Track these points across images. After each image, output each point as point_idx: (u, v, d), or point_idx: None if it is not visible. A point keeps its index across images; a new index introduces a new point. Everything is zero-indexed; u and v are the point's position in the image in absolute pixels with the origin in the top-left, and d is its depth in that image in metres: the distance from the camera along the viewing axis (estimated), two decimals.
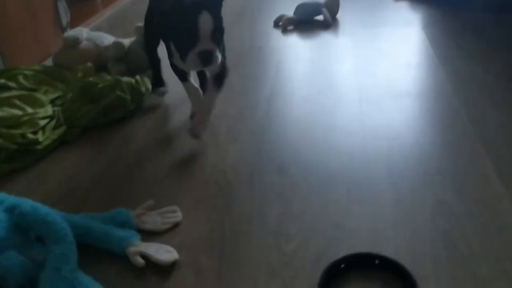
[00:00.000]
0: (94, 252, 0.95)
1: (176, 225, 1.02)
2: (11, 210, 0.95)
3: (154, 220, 1.02)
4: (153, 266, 0.91)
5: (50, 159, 1.33)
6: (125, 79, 1.53)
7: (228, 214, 1.05)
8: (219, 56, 1.19)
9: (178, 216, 1.04)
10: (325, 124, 1.36)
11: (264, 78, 1.70)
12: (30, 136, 1.33)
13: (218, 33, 1.17)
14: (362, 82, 1.59)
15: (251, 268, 0.91)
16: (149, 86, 1.58)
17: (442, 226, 0.96)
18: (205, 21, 1.14)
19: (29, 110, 1.43)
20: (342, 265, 0.87)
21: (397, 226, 0.97)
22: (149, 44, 1.59)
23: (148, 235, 0.99)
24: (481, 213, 0.98)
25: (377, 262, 0.87)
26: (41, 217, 0.93)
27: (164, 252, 0.93)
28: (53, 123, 1.41)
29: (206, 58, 1.17)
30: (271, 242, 0.96)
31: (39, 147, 1.33)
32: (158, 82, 1.62)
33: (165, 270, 0.91)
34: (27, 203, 0.97)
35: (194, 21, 1.14)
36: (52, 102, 1.54)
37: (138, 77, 1.56)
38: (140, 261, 0.91)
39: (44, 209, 0.96)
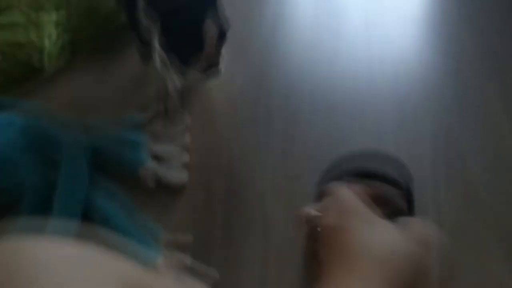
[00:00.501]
0: (105, 172, 0.97)
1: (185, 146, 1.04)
2: (22, 131, 0.97)
3: (167, 150, 1.02)
4: (164, 185, 0.95)
5: (54, 84, 1.32)
6: None
7: (236, 135, 1.08)
8: (223, 67, 1.07)
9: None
10: (330, 50, 1.35)
11: (268, 2, 1.66)
12: (35, 63, 1.32)
13: (222, 39, 1.02)
14: (369, 7, 1.55)
15: (258, 187, 0.95)
16: None
17: (443, 147, 1.00)
18: (210, 30, 0.98)
19: (33, 36, 1.41)
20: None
21: (399, 147, 1.00)
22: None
23: None
24: (482, 137, 1.02)
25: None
26: (53, 137, 0.96)
27: (174, 173, 0.96)
28: (57, 47, 1.40)
29: (209, 72, 1.07)
30: (277, 162, 1.00)
31: (44, 73, 1.32)
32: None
33: (176, 189, 0.95)
34: (39, 124, 0.99)
35: (197, 30, 0.97)
36: (56, 26, 1.51)
37: None
38: (151, 183, 0.95)
39: (55, 129, 0.98)
